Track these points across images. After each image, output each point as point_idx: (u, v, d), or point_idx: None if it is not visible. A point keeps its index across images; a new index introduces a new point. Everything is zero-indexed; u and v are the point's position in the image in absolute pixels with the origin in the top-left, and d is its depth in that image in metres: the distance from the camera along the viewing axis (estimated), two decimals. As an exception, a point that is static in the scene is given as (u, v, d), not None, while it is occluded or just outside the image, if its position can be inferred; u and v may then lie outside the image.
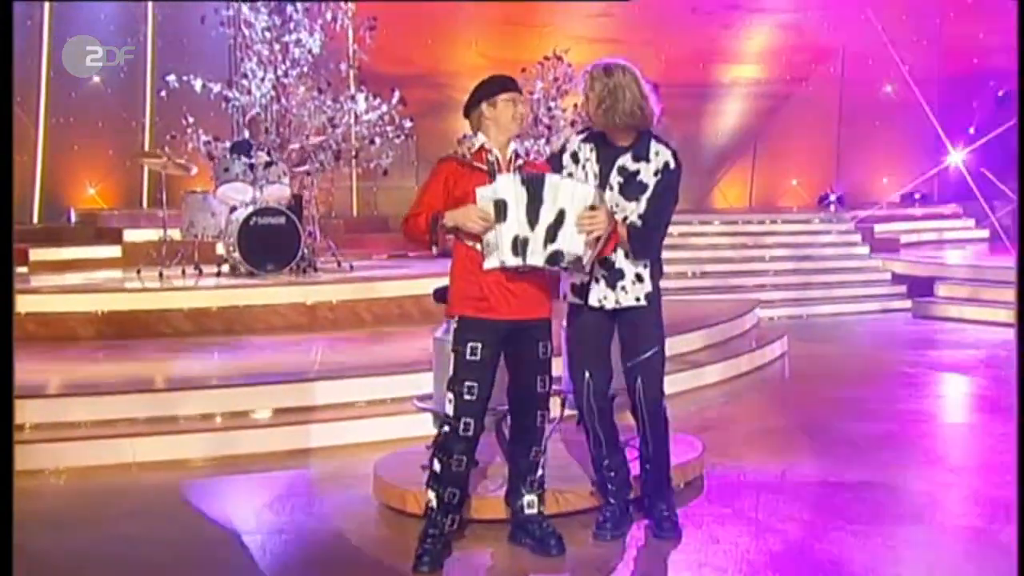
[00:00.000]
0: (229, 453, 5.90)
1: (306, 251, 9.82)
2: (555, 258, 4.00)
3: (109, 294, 8.59)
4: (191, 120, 12.31)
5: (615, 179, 4.30)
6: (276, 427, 6.17)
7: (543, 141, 12.54)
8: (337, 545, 4.51)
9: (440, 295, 5.13)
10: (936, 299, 11.49)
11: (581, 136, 4.46)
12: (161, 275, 9.41)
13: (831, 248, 13.11)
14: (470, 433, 4.13)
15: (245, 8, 12.83)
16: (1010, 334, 10.13)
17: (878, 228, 13.92)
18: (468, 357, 4.11)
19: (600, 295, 4.31)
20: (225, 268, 9.86)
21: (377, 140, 12.99)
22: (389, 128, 12.94)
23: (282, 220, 9.53)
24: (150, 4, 15.31)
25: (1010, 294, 10.95)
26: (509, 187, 3.99)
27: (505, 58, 16.99)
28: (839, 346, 9.66)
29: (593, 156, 4.35)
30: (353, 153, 12.87)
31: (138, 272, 9.81)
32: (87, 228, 12.79)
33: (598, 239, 4.06)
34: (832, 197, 18.06)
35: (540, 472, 4.34)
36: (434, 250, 4.23)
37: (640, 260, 4.29)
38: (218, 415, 6.20)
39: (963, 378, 8.08)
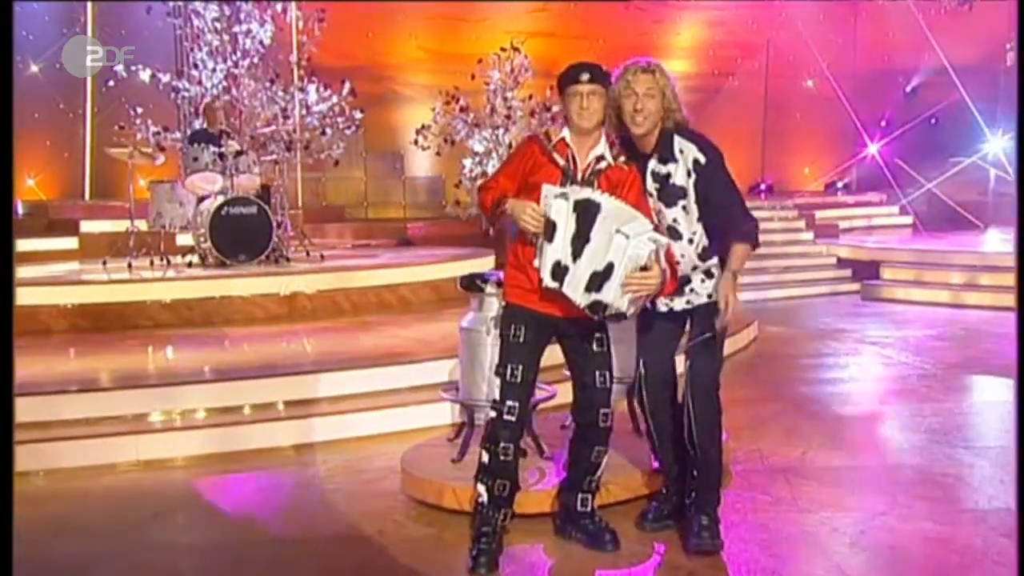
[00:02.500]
0: (235, 449, 5.46)
1: (277, 241, 9.31)
2: (596, 307, 3.61)
3: (82, 286, 7.97)
4: (139, 111, 11.75)
5: (651, 185, 3.89)
6: (279, 421, 5.73)
7: (501, 131, 12.18)
8: (378, 545, 4.12)
9: (466, 283, 4.82)
10: (882, 282, 11.51)
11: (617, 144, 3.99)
12: (130, 267, 8.80)
13: (779, 234, 13.03)
14: (514, 417, 3.80)
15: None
16: (954, 313, 10.25)
17: (818, 215, 13.93)
18: (511, 340, 3.83)
19: (666, 300, 3.93)
20: (193, 259, 9.29)
21: (328, 131, 12.57)
22: (340, 119, 12.54)
23: (253, 210, 9.01)
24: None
25: (951, 276, 11.07)
26: (561, 212, 3.61)
27: (444, 51, 16.69)
28: (802, 329, 9.55)
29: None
30: (304, 144, 12.43)
31: (104, 264, 9.16)
32: (37, 220, 12.00)
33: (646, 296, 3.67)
34: (763, 186, 18.17)
35: (601, 471, 4.02)
36: (490, 231, 3.85)
37: (754, 247, 3.90)
38: (219, 409, 5.74)
39: (930, 358, 8.00)
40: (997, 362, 7.64)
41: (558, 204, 3.61)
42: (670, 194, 3.86)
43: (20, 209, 13.10)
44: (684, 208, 3.87)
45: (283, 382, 5.98)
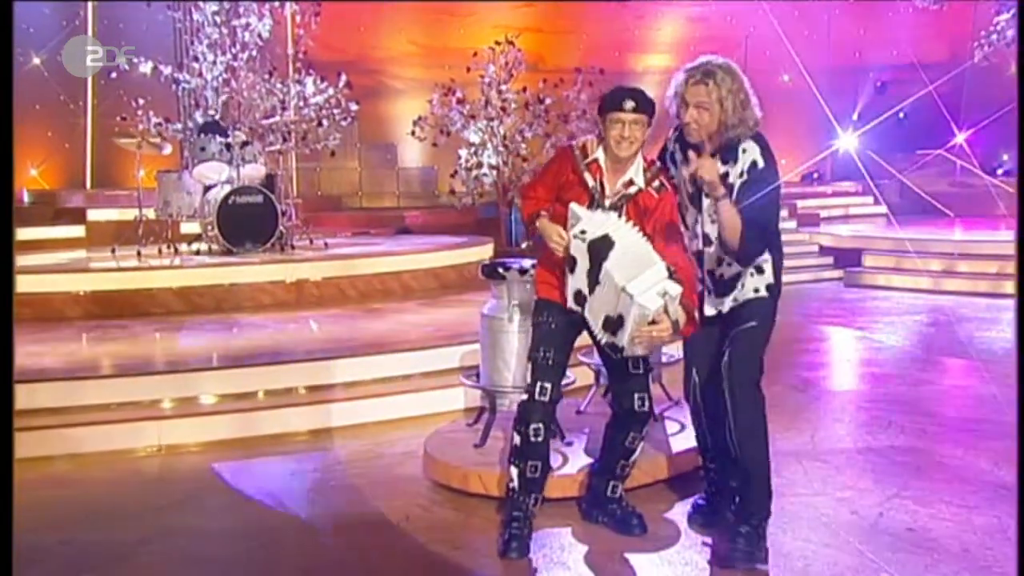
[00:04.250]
0: (252, 434, 5.31)
1: (282, 229, 9.13)
2: (614, 348, 3.48)
3: (95, 274, 7.79)
4: (140, 102, 11.55)
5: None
6: (295, 407, 5.57)
7: (496, 122, 12.04)
8: (406, 530, 4.00)
9: (488, 270, 4.70)
10: (864, 269, 11.47)
11: (675, 133, 3.69)
12: (139, 254, 8.60)
13: (763, 223, 12.91)
14: (546, 398, 3.71)
15: (195, -7, 12.10)
16: (934, 299, 10.21)
17: (800, 204, 13.89)
18: (544, 326, 3.76)
19: (715, 304, 3.68)
20: (200, 246, 9.10)
21: (324, 122, 12.41)
22: (336, 111, 12.39)
23: (260, 199, 8.83)
24: (90, -6, 14.25)
25: (931, 263, 11.03)
26: (579, 250, 3.48)
27: (433, 45, 16.53)
28: (791, 315, 9.43)
29: (685, 159, 3.60)
30: (301, 135, 12.26)
31: (113, 251, 8.94)
32: (44, 208, 11.76)
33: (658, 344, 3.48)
34: (744, 177, 18.11)
35: (635, 457, 3.89)
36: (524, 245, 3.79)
37: (744, 267, 3.59)
38: (235, 395, 5.58)
39: (920, 342, 7.98)
40: (983, 346, 7.61)
41: (576, 244, 3.49)
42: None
43: (26, 198, 12.87)
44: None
45: (297, 368, 5.83)
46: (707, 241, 3.65)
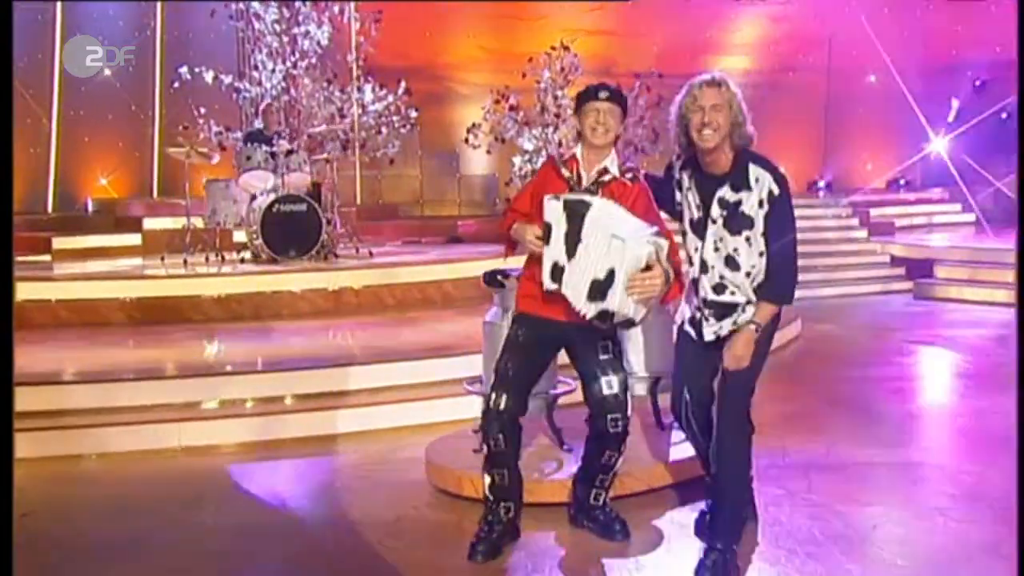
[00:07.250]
0: (275, 437, 5.67)
1: (326, 238, 9.55)
2: (604, 317, 3.65)
3: (139, 281, 8.33)
4: (203, 111, 12.12)
5: (717, 212, 3.64)
6: (318, 411, 5.92)
7: (551, 129, 12.29)
8: (395, 530, 4.29)
9: (488, 278, 4.96)
10: (936, 280, 11.34)
11: (679, 161, 3.81)
12: (186, 262, 9.13)
13: (831, 232, 12.90)
14: (501, 407, 3.89)
15: (256, 3, 12.63)
16: (1009, 314, 10.03)
17: (874, 212, 13.76)
18: (511, 337, 4.02)
19: (714, 329, 3.73)
20: (246, 255, 9.60)
21: (384, 130, 12.81)
22: (395, 118, 12.77)
23: (303, 207, 9.27)
24: (159, 3, 14.99)
25: (1007, 275, 10.83)
26: (554, 212, 3.67)
27: (503, 50, 16.79)
28: (850, 327, 9.48)
29: (693, 185, 3.74)
30: (360, 143, 12.68)
31: (162, 259, 9.52)
32: (105, 217, 12.51)
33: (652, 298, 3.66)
34: (821, 183, 17.92)
35: (613, 472, 4.07)
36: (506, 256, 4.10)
37: (782, 305, 3.71)
38: (260, 399, 5.97)
39: (977, 357, 7.92)
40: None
41: (551, 205, 3.68)
42: (736, 223, 3.62)
43: (90, 207, 13.69)
44: (748, 240, 3.62)
45: (321, 374, 6.18)
46: (704, 268, 3.72)
